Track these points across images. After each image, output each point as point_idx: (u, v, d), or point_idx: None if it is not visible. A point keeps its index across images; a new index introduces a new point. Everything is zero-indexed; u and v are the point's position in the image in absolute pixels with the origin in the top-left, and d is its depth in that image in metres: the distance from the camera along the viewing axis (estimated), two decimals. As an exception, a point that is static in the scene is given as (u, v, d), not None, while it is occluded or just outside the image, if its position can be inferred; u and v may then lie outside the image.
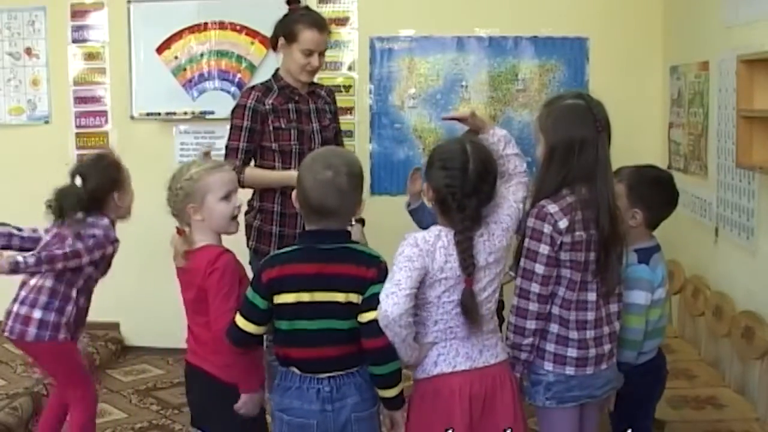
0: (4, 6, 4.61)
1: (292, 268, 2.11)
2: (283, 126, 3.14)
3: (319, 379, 2.12)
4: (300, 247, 2.16)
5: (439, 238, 2.09)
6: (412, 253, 2.07)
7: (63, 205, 2.80)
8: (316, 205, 2.09)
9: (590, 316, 2.22)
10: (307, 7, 3.33)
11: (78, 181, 2.81)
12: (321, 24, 3.15)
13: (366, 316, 2.05)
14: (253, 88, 3.23)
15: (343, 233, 2.16)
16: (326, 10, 4.27)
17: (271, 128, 3.14)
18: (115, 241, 2.85)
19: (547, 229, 2.17)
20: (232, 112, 3.20)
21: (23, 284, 2.85)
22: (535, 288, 2.18)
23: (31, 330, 2.76)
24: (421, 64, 4.35)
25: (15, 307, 2.81)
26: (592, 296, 2.22)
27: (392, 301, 2.02)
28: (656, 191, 2.46)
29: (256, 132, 3.14)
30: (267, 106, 3.14)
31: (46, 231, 2.91)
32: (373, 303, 2.05)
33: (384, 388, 2.11)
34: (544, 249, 2.17)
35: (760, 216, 2.97)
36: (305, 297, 2.09)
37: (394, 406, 2.14)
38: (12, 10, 4.61)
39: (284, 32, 3.15)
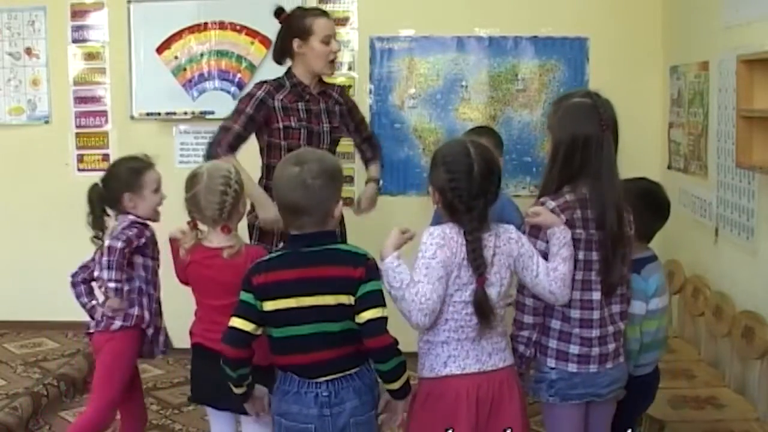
0: (4, 6, 4.60)
1: (275, 275, 2.09)
2: (293, 125, 3.15)
3: (317, 384, 2.11)
4: (283, 253, 2.16)
5: (459, 234, 2.10)
6: (437, 245, 2.07)
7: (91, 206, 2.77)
8: (285, 201, 2.11)
9: (596, 315, 2.23)
10: (299, 7, 3.35)
11: (99, 182, 2.82)
12: (326, 12, 3.28)
13: (364, 316, 2.04)
14: (265, 81, 3.23)
15: (326, 234, 2.13)
16: (326, 10, 4.27)
17: (281, 126, 3.15)
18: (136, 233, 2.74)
19: None
20: (240, 98, 3.22)
21: None
22: None
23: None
24: (421, 64, 4.35)
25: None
26: (596, 295, 2.23)
27: (425, 315, 2.06)
28: (645, 204, 2.44)
29: (255, 122, 3.15)
30: (276, 102, 3.15)
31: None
32: (368, 302, 2.04)
33: (389, 381, 2.12)
34: (540, 245, 2.19)
35: (760, 216, 2.97)
36: (292, 303, 2.08)
37: (400, 396, 2.15)
38: (12, 10, 4.60)
39: (296, 34, 3.16)
